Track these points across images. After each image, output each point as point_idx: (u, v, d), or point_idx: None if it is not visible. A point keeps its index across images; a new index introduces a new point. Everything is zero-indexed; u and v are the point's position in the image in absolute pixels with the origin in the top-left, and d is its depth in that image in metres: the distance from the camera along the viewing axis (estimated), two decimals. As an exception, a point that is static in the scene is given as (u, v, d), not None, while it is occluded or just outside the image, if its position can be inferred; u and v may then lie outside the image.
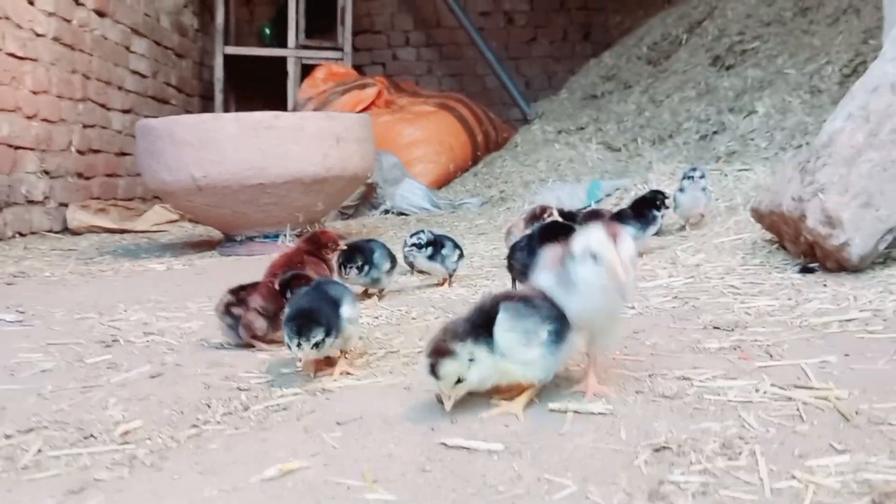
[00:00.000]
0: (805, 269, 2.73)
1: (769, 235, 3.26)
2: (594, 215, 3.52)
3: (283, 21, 9.89)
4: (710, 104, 6.89)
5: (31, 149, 6.39)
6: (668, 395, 1.53)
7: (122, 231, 6.95)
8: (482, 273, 3.49)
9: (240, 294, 2.26)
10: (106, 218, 7.11)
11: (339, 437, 1.40)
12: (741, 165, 5.25)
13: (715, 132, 6.54)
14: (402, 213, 7.50)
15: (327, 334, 1.76)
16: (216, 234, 6.21)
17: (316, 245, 2.67)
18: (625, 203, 4.98)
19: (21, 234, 6.32)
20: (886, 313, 2.06)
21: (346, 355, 1.96)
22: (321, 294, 1.86)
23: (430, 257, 3.07)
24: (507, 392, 1.58)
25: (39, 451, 1.48)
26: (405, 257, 3.48)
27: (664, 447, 1.27)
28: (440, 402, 1.54)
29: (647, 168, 6.45)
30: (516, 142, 8.61)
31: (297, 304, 1.85)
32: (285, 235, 4.89)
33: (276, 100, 9.54)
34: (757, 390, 1.53)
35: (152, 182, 4.74)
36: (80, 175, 7.21)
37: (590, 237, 1.46)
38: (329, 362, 1.94)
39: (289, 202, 4.71)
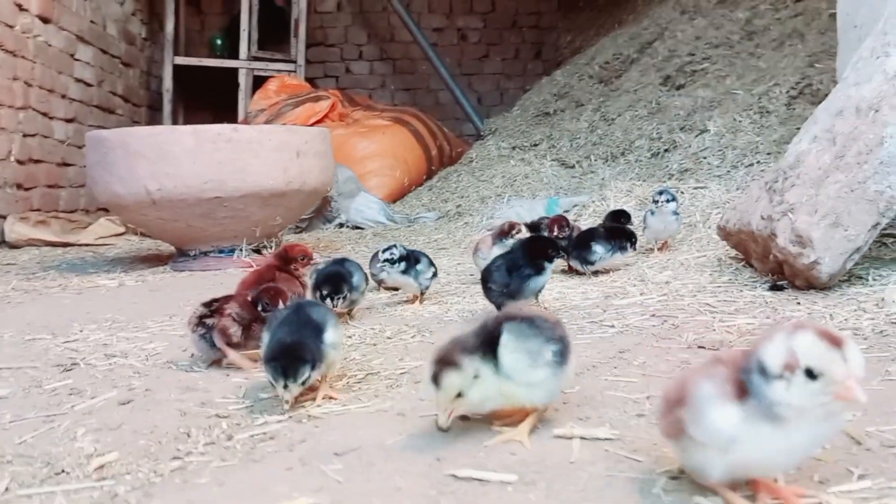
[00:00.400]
0: (775, 287, 2.76)
1: (734, 253, 3.30)
2: (559, 221, 3.52)
3: (235, 32, 9.71)
4: (662, 123, 7.02)
5: (-32, 158, 6.10)
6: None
7: (65, 244, 6.68)
8: (451, 289, 3.44)
9: (212, 306, 2.16)
10: (47, 231, 6.81)
11: (340, 470, 1.33)
12: (695, 183, 5.36)
13: (666, 150, 6.66)
14: (357, 227, 7.41)
15: (313, 368, 1.67)
16: (165, 248, 6.02)
17: (285, 261, 2.58)
18: (583, 220, 5.05)
19: (-45, 248, 6.01)
20: (866, 332, 2.09)
21: (326, 378, 1.88)
22: (302, 320, 1.75)
23: (404, 272, 3.01)
24: (507, 417, 1.53)
25: (6, 489, 1.36)
26: (373, 274, 3.41)
27: (681, 475, 1.24)
28: (440, 429, 1.48)
29: (600, 185, 6.54)
30: (471, 157, 8.62)
31: (277, 337, 1.72)
32: (241, 250, 4.76)
33: (225, 111, 9.35)
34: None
35: (104, 195, 4.56)
36: (19, 186, 6.91)
37: (798, 344, 1.05)
38: (309, 388, 1.86)
39: (246, 216, 4.59)
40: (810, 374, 1.03)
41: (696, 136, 6.42)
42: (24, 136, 6.99)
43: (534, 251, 2.43)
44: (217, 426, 1.65)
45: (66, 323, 2.89)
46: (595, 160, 7.30)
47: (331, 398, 1.82)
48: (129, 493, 1.31)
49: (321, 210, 7.58)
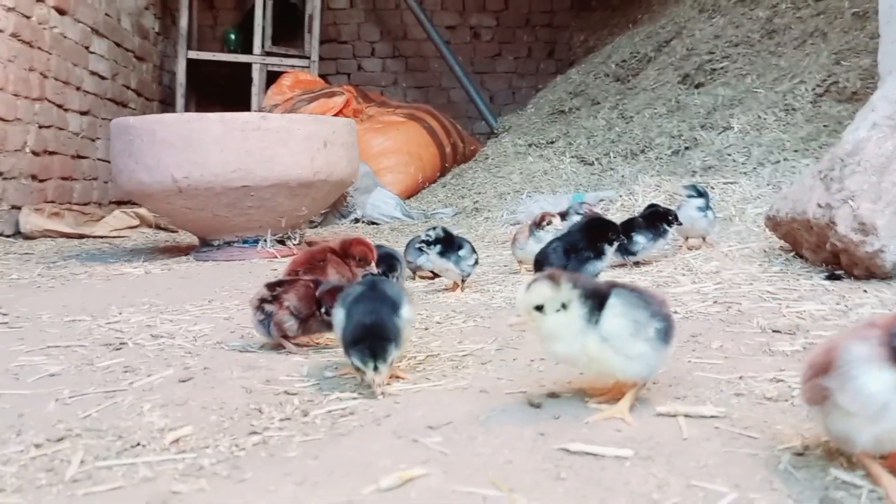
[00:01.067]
0: (832, 276, 2.70)
1: (780, 244, 3.24)
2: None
3: (249, 27, 9.65)
4: (682, 120, 6.96)
5: (-16, 148, 6.04)
6: (772, 398, 1.44)
7: (80, 236, 6.61)
8: (489, 279, 3.37)
9: (275, 290, 2.09)
10: (61, 222, 6.75)
11: (441, 442, 1.26)
12: (722, 179, 5.29)
13: (687, 148, 6.60)
14: (373, 223, 7.35)
15: (396, 346, 1.60)
16: (183, 240, 5.95)
17: (343, 251, 2.47)
18: (611, 215, 4.97)
19: (-30, 237, 5.94)
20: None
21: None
22: (380, 298, 1.66)
23: (442, 254, 2.91)
24: (601, 395, 1.46)
25: (82, 461, 1.29)
26: (409, 261, 3.34)
27: (807, 451, 1.17)
28: (532, 405, 1.41)
29: (620, 181, 6.48)
30: (486, 154, 8.56)
31: (355, 318, 1.63)
32: (265, 241, 4.69)
33: (238, 106, 9.27)
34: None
35: (129, 184, 4.49)
36: (34, 177, 6.84)
37: None
38: None
39: (273, 206, 4.52)
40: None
41: (720, 133, 6.36)
42: (40, 127, 6.92)
43: (594, 233, 2.35)
44: (288, 403, 1.58)
45: (104, 306, 2.82)
46: (614, 157, 7.24)
47: (398, 377, 1.75)
48: (216, 465, 1.24)
49: (337, 205, 7.51)
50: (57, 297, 3.12)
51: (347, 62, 11.09)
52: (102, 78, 8.17)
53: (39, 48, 6.86)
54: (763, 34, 7.57)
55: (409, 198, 8.28)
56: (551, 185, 7.03)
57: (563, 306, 1.35)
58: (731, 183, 5.03)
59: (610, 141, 7.59)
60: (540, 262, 2.46)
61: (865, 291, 2.43)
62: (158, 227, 7.18)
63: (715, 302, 2.43)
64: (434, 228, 3.03)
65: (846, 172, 2.69)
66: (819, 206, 2.74)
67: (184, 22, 9.37)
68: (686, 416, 1.36)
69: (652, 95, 7.87)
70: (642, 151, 7.09)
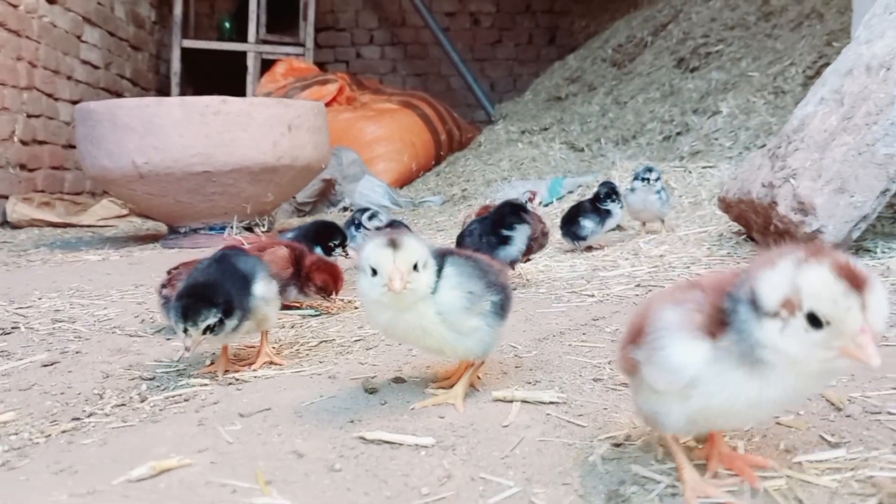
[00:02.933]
0: (775, 261, 2.56)
1: (737, 228, 3.10)
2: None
3: (244, 15, 9.59)
4: (674, 105, 6.80)
5: (-32, 137, 6.03)
6: (628, 384, 1.33)
7: (67, 225, 6.60)
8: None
9: (171, 274, 2.02)
10: (50, 212, 6.74)
11: (236, 431, 1.17)
12: (705, 163, 5.14)
13: (678, 133, 6.44)
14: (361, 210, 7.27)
15: (227, 315, 1.46)
16: (163, 229, 5.92)
17: (298, 262, 2.29)
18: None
19: (-47, 227, 5.95)
20: (865, 301, 1.89)
21: (266, 339, 1.69)
22: (225, 267, 1.55)
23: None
24: (444, 380, 1.37)
25: None
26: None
27: (626, 441, 1.07)
28: (367, 391, 1.32)
29: (609, 167, 6.34)
30: (479, 141, 8.45)
31: (190, 277, 1.53)
32: (232, 227, 4.63)
33: (234, 95, 9.21)
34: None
35: (92, 169, 4.45)
36: (22, 166, 6.83)
37: (807, 280, 0.80)
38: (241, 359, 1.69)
39: (236, 192, 4.45)
40: (814, 319, 0.79)
41: (709, 117, 6.19)
42: (29, 116, 6.91)
43: (497, 220, 2.25)
44: (136, 388, 1.50)
45: (29, 291, 2.77)
46: (605, 143, 7.09)
47: (272, 363, 1.66)
48: (7, 453, 1.16)
49: (325, 193, 7.44)
50: (-10, 282, 3.08)
51: (346, 50, 10.99)
52: (95, 67, 8.16)
53: (28, 37, 6.84)
54: (759, 16, 7.36)
55: (402, 186, 8.19)
56: (539, 172, 6.90)
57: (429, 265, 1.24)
58: (711, 167, 4.88)
59: (603, 127, 7.45)
60: (458, 245, 2.36)
61: (797, 274, 2.30)
62: (147, 217, 7.16)
63: (637, 285, 2.32)
64: (375, 216, 2.93)
65: (790, 150, 2.55)
66: (763, 185, 2.61)
67: (178, 10, 9.33)
68: (523, 401, 1.26)
69: (647, 80, 7.70)
70: (633, 137, 6.94)
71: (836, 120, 2.48)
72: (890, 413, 1.13)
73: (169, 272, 2.08)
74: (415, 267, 1.19)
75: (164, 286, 2.03)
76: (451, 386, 1.33)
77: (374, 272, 1.19)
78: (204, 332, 1.44)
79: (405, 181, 8.31)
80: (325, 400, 1.31)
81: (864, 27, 2.72)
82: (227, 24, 10.17)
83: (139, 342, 1.92)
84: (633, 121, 7.08)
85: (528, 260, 2.53)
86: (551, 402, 1.25)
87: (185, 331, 1.43)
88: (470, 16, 11.08)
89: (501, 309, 1.28)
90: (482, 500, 0.92)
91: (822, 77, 2.77)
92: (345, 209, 7.36)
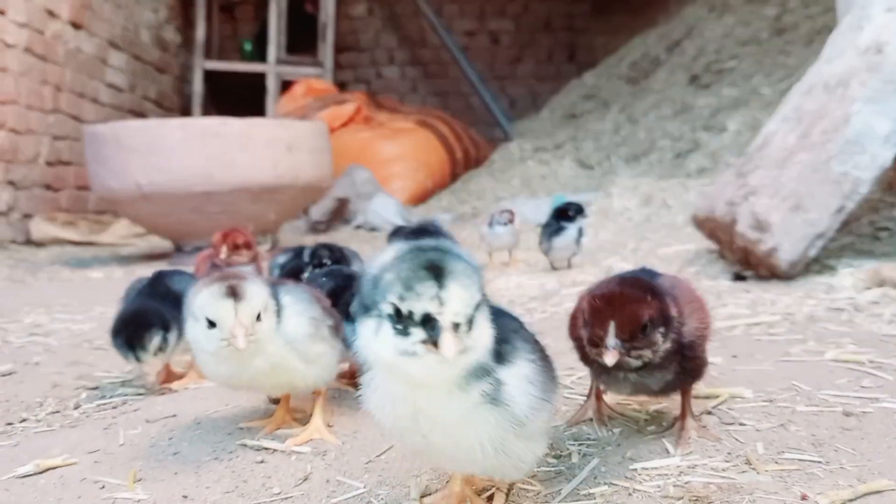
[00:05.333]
0: (738, 277, 2.59)
1: (713, 246, 3.12)
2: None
3: (265, 37, 9.85)
4: (685, 122, 6.80)
5: (-5, 158, 6.29)
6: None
7: (88, 244, 6.82)
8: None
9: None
10: (72, 231, 6.98)
11: (134, 435, 1.26)
12: (706, 181, 5.14)
13: (689, 150, 6.44)
14: (373, 229, 7.38)
15: (166, 329, 1.50)
16: (177, 247, 6.09)
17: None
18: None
19: (-20, 244, 6.19)
20: (797, 317, 1.91)
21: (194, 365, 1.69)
22: (158, 288, 1.61)
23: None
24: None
25: None
26: None
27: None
28: (271, 401, 1.40)
29: (614, 184, 6.36)
30: (493, 159, 8.52)
31: (123, 308, 1.58)
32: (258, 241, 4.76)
33: (255, 115, 9.43)
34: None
35: (99, 189, 4.63)
36: (47, 187, 7.09)
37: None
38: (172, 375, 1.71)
39: (237, 211, 4.59)
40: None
41: (716, 135, 6.19)
42: (54, 138, 7.18)
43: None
44: (74, 397, 1.60)
45: (18, 306, 2.90)
46: (616, 161, 7.11)
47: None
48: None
49: (340, 212, 7.59)
50: (-11, 297, 3.23)
51: (366, 70, 11.19)
52: (119, 90, 8.44)
53: (53, 62, 7.12)
54: (772, 32, 7.34)
55: (417, 204, 8.29)
56: (548, 189, 6.94)
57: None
58: (709, 185, 4.88)
59: (615, 144, 7.47)
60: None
61: (747, 292, 2.32)
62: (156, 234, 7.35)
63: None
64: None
65: (750, 167, 2.58)
66: (726, 203, 2.64)
67: (200, 33, 9.62)
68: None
69: (660, 97, 7.71)
70: (644, 154, 6.95)
71: (794, 138, 2.50)
72: (742, 424, 1.16)
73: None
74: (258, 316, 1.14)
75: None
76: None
77: (212, 324, 1.13)
78: (155, 354, 1.49)
79: (420, 199, 8.41)
80: (228, 409, 1.39)
81: (828, 45, 2.74)
82: (249, 46, 10.44)
83: (98, 355, 2.02)
84: (644, 138, 7.09)
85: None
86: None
87: (138, 359, 1.49)
88: (489, 34, 11.21)
89: (336, 332, 1.28)
90: (327, 500, 0.99)
91: (788, 95, 2.79)
92: (358, 227, 7.48)
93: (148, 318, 1.51)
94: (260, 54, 10.12)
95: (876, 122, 2.31)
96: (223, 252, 2.25)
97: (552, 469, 1.05)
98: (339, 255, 2.08)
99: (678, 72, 7.86)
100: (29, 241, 6.79)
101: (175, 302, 1.59)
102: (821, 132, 2.43)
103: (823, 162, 2.39)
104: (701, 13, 8.26)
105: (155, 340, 1.49)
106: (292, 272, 1.86)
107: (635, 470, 1.01)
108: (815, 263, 2.53)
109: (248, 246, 2.43)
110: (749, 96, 6.58)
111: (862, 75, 2.42)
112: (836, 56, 2.57)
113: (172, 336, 1.54)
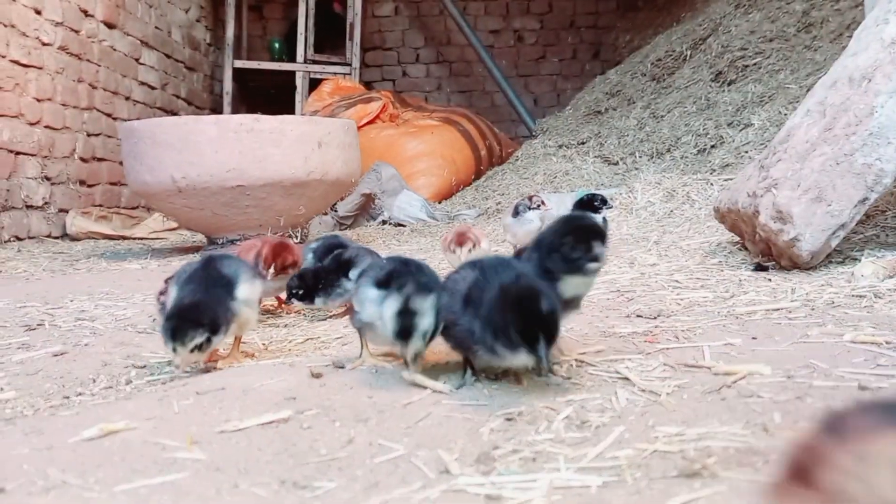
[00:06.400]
0: (759, 268, 2.63)
1: (734, 238, 3.16)
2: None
3: (294, 36, 9.99)
4: (710, 118, 6.81)
5: (33, 154, 6.47)
6: (561, 375, 1.46)
7: (122, 238, 7.00)
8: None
9: (168, 281, 2.22)
10: (106, 225, 7.16)
11: (187, 405, 1.35)
12: (728, 176, 5.16)
13: (713, 146, 6.46)
14: (399, 224, 7.48)
15: (213, 332, 1.57)
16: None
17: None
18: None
19: (18, 238, 6.37)
20: (817, 303, 1.96)
21: (239, 341, 1.80)
22: (210, 276, 1.67)
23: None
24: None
25: None
26: None
27: (518, 416, 1.20)
28: (313, 376, 1.48)
29: (633, 180, 6.39)
30: (517, 156, 8.58)
31: (179, 296, 1.65)
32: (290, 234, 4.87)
33: (284, 112, 9.57)
34: (644, 370, 1.44)
35: (135, 184, 4.77)
36: (82, 182, 7.28)
37: None
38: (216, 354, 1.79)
39: (269, 205, 4.70)
40: None
41: (741, 130, 6.19)
42: (89, 135, 7.37)
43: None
44: (126, 374, 1.70)
45: (63, 294, 3.03)
46: (640, 157, 7.14)
47: (251, 356, 1.82)
48: (-4, 422, 1.37)
49: (365, 207, 7.69)
50: (34, 286, 3.37)
51: (392, 69, 11.29)
52: (152, 88, 8.62)
53: (88, 60, 7.31)
54: (799, 28, 7.31)
55: (441, 200, 8.37)
56: (572, 185, 6.99)
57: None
58: (730, 179, 4.91)
59: (639, 141, 7.49)
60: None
61: (769, 280, 2.37)
62: (192, 229, 7.50)
63: (614, 291, 2.42)
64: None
65: (773, 160, 2.62)
66: (748, 195, 2.68)
67: (230, 32, 9.78)
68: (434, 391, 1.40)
69: (684, 94, 7.71)
70: (668, 150, 6.97)
71: (817, 131, 2.54)
72: (759, 396, 1.23)
73: (166, 281, 2.27)
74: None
75: (161, 293, 2.22)
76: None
77: None
78: (192, 351, 1.57)
79: (445, 195, 8.49)
80: (273, 382, 1.48)
81: (854, 40, 2.77)
82: (278, 45, 10.59)
83: (140, 337, 2.12)
84: (668, 134, 7.11)
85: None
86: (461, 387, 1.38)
87: (174, 350, 1.56)
88: (514, 32, 11.25)
89: None
90: (370, 460, 1.07)
91: (812, 89, 2.82)
92: (384, 223, 7.58)
93: (199, 316, 1.58)
94: (289, 53, 10.26)
95: (899, 115, 2.34)
96: (269, 273, 2.26)
97: (579, 435, 1.12)
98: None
99: (702, 68, 7.85)
100: (65, 235, 6.98)
101: (227, 287, 1.68)
102: (844, 125, 2.47)
103: (846, 154, 2.42)
104: (727, 9, 8.24)
105: (197, 339, 1.56)
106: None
107: (657, 437, 1.08)
108: (838, 255, 2.57)
109: (295, 266, 2.38)
110: (775, 92, 6.58)
111: (887, 68, 2.45)
112: (862, 50, 2.61)
113: (218, 338, 1.61)
